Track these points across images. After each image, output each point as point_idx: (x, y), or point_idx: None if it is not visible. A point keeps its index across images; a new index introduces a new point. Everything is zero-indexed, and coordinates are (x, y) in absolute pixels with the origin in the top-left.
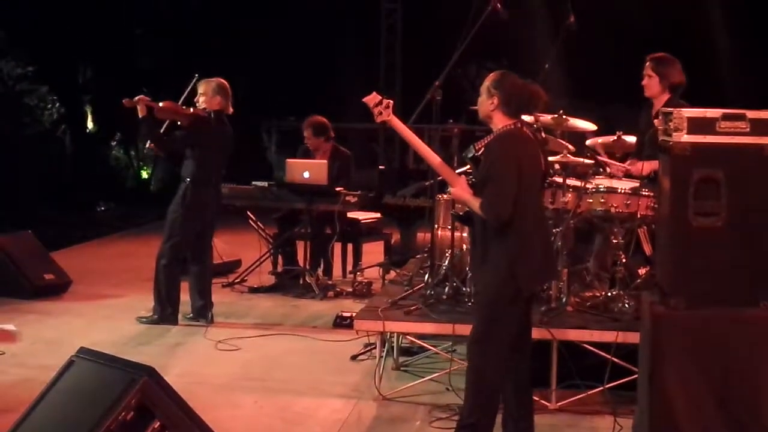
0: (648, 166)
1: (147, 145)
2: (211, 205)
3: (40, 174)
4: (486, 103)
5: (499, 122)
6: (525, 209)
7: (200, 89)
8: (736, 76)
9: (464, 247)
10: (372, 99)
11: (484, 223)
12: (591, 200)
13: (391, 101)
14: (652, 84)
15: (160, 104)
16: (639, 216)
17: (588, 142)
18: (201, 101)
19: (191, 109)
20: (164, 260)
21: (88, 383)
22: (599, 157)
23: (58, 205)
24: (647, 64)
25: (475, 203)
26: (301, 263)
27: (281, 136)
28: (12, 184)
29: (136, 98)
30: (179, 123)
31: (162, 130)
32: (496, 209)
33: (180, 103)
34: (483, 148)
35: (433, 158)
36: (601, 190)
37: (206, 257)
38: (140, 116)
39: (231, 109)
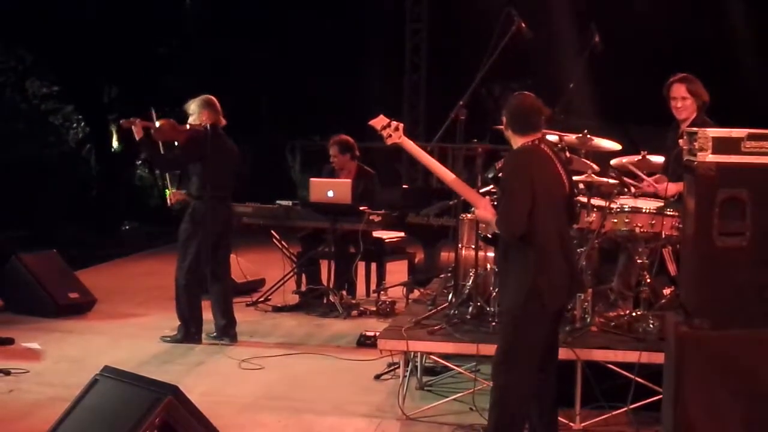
0: (673, 188)
1: (170, 202)
2: (220, 219)
3: (65, 193)
4: (504, 128)
5: (517, 142)
6: (546, 226)
7: (188, 110)
8: (762, 95)
9: (488, 266)
10: (378, 122)
11: (506, 243)
12: (615, 220)
13: (402, 124)
14: (688, 105)
15: (157, 124)
16: (663, 236)
17: (613, 162)
18: (192, 120)
19: (187, 126)
20: (183, 281)
21: (112, 402)
22: (632, 170)
23: (82, 224)
24: (681, 87)
25: (494, 222)
26: (324, 282)
27: (305, 155)
28: (37, 203)
29: (131, 120)
30: (176, 142)
31: (161, 150)
32: (508, 224)
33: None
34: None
35: (451, 179)
36: (626, 210)
37: (225, 275)
38: (137, 138)
39: (224, 121)
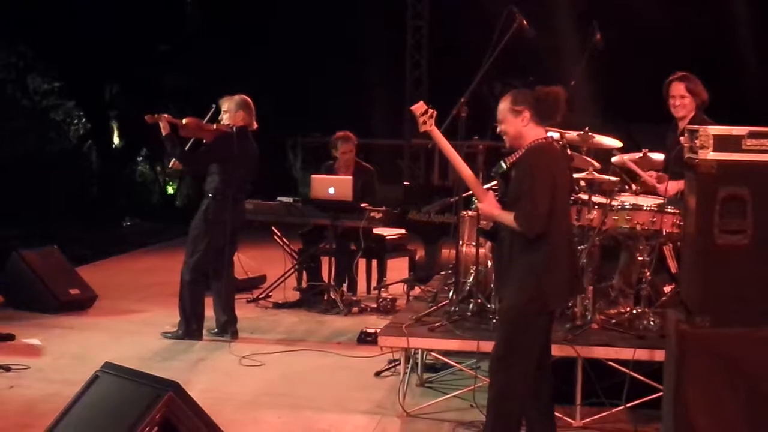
0: (674, 186)
1: (170, 165)
2: (232, 220)
3: (66, 189)
4: (516, 123)
5: (532, 136)
6: (558, 225)
7: (223, 107)
8: (762, 93)
9: (489, 263)
10: (419, 108)
11: (511, 239)
12: (616, 217)
13: (435, 111)
14: (686, 103)
15: (183, 121)
16: (664, 233)
17: (614, 159)
18: (225, 118)
19: (214, 126)
20: (188, 276)
21: (112, 398)
22: (635, 169)
23: (83, 220)
24: (680, 85)
25: (506, 217)
26: (325, 279)
27: (306, 152)
28: (38, 199)
29: (158, 115)
30: (203, 140)
31: (186, 147)
32: (531, 222)
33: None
34: (514, 163)
35: (467, 173)
36: (627, 207)
37: (229, 272)
38: (163, 134)
39: (255, 125)
